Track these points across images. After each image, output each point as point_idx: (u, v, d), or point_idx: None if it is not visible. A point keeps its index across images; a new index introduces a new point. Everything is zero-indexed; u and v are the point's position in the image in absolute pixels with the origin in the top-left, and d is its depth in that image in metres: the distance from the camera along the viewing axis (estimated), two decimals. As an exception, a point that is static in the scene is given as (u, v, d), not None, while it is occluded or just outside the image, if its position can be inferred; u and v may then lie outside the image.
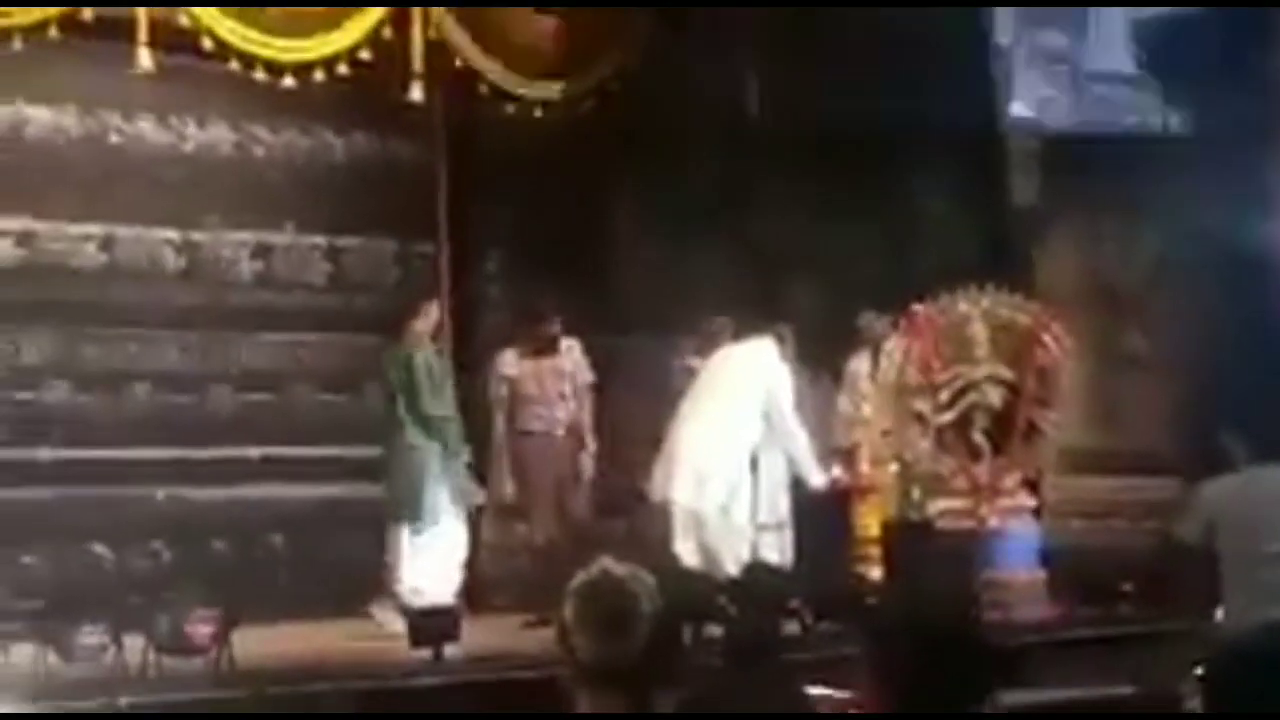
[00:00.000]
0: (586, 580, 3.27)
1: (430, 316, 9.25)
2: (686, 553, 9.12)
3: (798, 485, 9.50)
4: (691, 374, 9.69)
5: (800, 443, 9.35)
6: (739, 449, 9.27)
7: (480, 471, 9.54)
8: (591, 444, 9.86)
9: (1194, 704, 2.96)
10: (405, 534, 8.92)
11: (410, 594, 8.77)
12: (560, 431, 9.68)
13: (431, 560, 8.90)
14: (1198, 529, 6.51)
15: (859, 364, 10.44)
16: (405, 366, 9.05)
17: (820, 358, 10.57)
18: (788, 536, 9.39)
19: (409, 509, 8.92)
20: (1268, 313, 10.34)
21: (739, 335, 9.62)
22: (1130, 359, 11.44)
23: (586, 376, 9.81)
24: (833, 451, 10.12)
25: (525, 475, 9.69)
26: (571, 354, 9.75)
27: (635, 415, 10.56)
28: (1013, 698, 3.42)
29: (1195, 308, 11.06)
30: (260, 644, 7.64)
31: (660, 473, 9.32)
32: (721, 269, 10.78)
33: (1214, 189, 10.20)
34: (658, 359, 10.45)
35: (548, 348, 9.68)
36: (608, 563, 3.31)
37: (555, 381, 9.66)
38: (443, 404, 9.07)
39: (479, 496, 9.29)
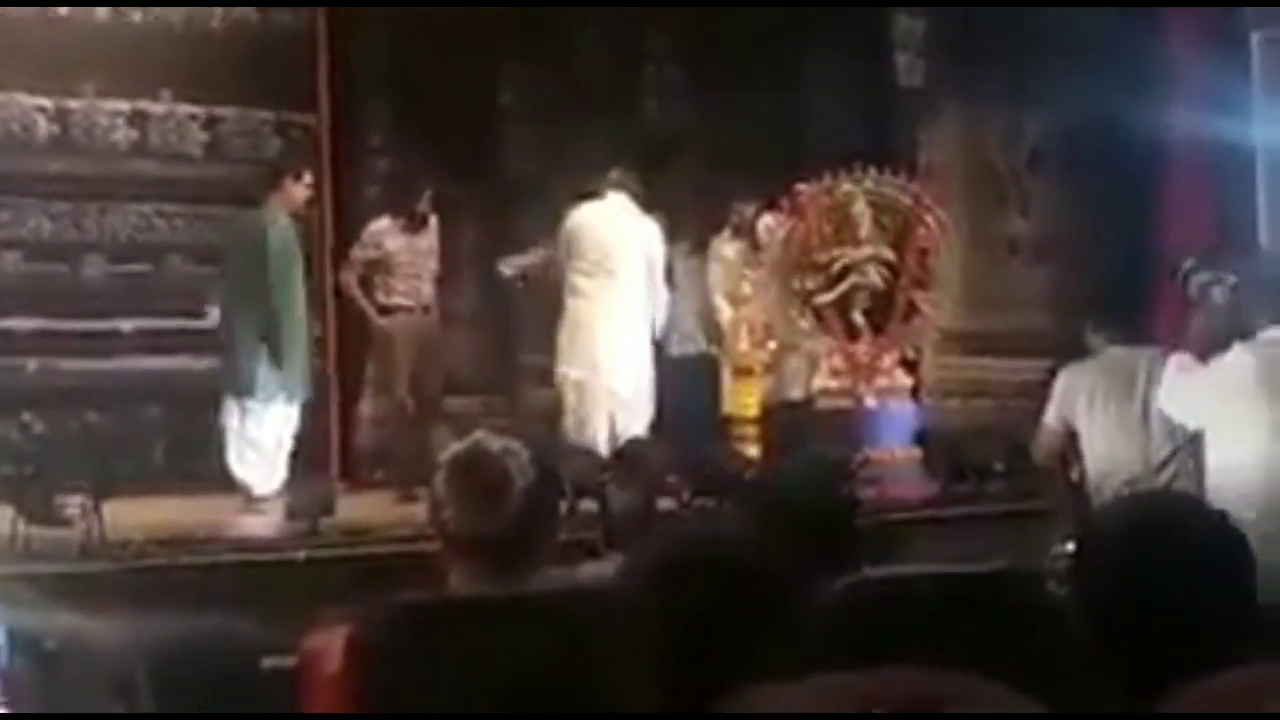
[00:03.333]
0: (459, 451, 3.26)
1: (291, 191, 8.80)
2: (598, 433, 8.91)
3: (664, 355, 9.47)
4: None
5: (660, 301, 9.25)
6: (641, 319, 9.15)
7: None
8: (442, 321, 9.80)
9: (1057, 579, 3.03)
10: (234, 413, 8.62)
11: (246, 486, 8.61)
12: (422, 307, 9.58)
13: (259, 450, 8.60)
14: (1054, 411, 6.68)
15: (726, 246, 10.43)
16: (257, 239, 8.66)
17: (703, 236, 10.58)
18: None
19: (232, 381, 8.62)
20: (1142, 198, 10.46)
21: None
22: (1008, 242, 11.55)
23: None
24: (699, 324, 10.15)
25: (389, 350, 9.59)
26: (434, 231, 9.62)
27: (519, 294, 10.53)
28: (883, 572, 3.46)
29: (1073, 192, 11.17)
30: (134, 516, 7.57)
31: (571, 352, 9.10)
32: (609, 148, 10.72)
33: (1094, 75, 10.26)
34: (541, 235, 10.39)
35: (419, 224, 9.54)
36: (481, 435, 3.31)
37: (423, 258, 9.55)
38: (284, 281, 8.67)
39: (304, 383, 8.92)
